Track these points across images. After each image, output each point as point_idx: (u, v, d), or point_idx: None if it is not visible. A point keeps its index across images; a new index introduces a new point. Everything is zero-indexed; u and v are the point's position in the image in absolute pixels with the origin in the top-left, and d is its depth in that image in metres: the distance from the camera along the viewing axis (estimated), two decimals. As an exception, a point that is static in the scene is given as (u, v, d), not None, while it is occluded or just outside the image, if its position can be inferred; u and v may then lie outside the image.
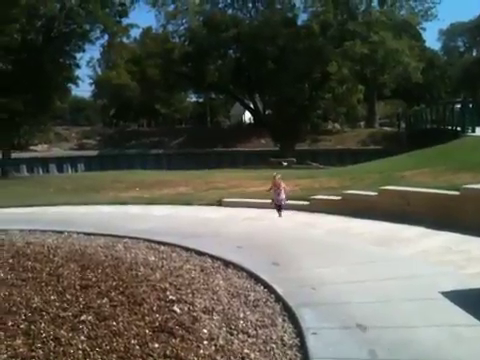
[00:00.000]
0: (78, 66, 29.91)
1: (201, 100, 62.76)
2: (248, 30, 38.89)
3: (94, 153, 43.16)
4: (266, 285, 5.14)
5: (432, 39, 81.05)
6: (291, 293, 4.79)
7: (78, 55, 29.35)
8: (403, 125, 45.89)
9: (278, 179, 10.35)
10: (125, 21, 29.59)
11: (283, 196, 10.17)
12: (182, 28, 42.81)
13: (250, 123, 55.09)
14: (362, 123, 52.36)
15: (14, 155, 31.39)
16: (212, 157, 39.13)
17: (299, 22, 40.87)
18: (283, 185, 10.28)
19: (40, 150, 41.44)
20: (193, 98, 63.81)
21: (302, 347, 3.75)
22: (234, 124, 59.63)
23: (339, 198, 10.22)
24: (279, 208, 10.20)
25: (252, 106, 45.71)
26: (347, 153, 38.73)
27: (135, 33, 58.62)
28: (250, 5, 42.89)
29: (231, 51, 43.88)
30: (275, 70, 37.01)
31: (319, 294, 4.81)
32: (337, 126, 50.04)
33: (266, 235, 7.66)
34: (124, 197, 14.70)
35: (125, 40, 38.01)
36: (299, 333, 3.98)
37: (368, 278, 5.23)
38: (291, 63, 35.74)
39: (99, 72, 59.71)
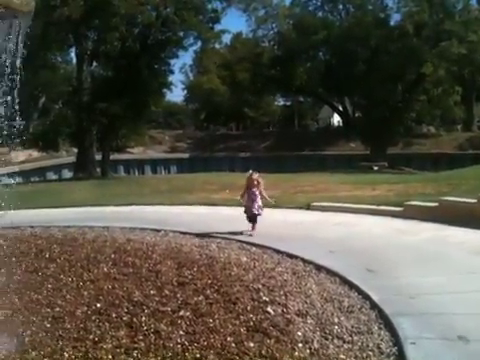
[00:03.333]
0: (172, 72, 31.09)
1: (289, 103, 62.83)
2: (338, 32, 38.39)
3: (185, 156, 44.63)
4: (360, 292, 5.05)
5: None
6: (387, 301, 4.68)
7: (172, 61, 30.55)
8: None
9: (255, 177, 7.99)
10: (217, 27, 30.30)
11: (259, 203, 7.91)
12: (272, 32, 43.16)
13: (339, 126, 54.26)
14: (459, 126, 49.71)
15: (112, 157, 33.15)
16: (300, 160, 38.95)
17: (392, 22, 39.74)
18: (261, 186, 8.02)
19: (136, 152, 43.50)
20: (281, 101, 64.06)
21: (400, 357, 3.66)
22: (322, 127, 59.04)
23: (435, 205, 9.76)
24: (252, 219, 8.01)
25: (341, 108, 44.97)
26: (443, 158, 36.96)
27: (226, 38, 60.06)
28: (340, 7, 42.26)
29: (321, 53, 43.55)
30: (366, 71, 36.21)
31: (417, 303, 4.64)
32: (432, 129, 47.89)
33: (359, 241, 7.50)
34: (215, 199, 14.98)
35: (217, 46, 39.01)
36: (397, 342, 3.88)
37: (470, 289, 4.97)
38: (383, 64, 34.78)
39: (191, 77, 61.85)
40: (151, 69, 27.37)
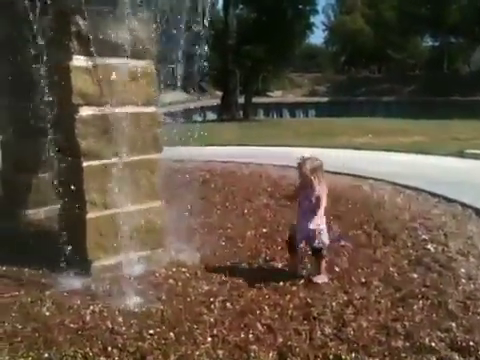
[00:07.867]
0: (317, 12, 30.38)
1: (438, 44, 58.08)
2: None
3: (324, 99, 44.07)
4: (527, 238, 4.91)
5: None
6: None
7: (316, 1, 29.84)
8: None
9: (306, 170, 3.85)
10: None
11: (318, 221, 3.86)
12: (424, -35, 39.89)
13: (495, 70, 49.28)
14: None
15: (253, 99, 33.92)
16: (449, 106, 36.28)
17: None
18: (321, 186, 3.90)
19: (275, 96, 43.99)
20: (429, 42, 59.43)
21: None
22: (475, 71, 53.92)
23: None
24: (315, 253, 4.01)
25: (500, 50, 40.70)
26: None
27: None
28: None
29: (480, -12, 39.35)
30: None
31: None
32: None
33: (523, 189, 7.10)
34: (358, 142, 14.87)
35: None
36: None
37: None
38: None
39: (332, 18, 59.89)
40: (296, 10, 27.05)
